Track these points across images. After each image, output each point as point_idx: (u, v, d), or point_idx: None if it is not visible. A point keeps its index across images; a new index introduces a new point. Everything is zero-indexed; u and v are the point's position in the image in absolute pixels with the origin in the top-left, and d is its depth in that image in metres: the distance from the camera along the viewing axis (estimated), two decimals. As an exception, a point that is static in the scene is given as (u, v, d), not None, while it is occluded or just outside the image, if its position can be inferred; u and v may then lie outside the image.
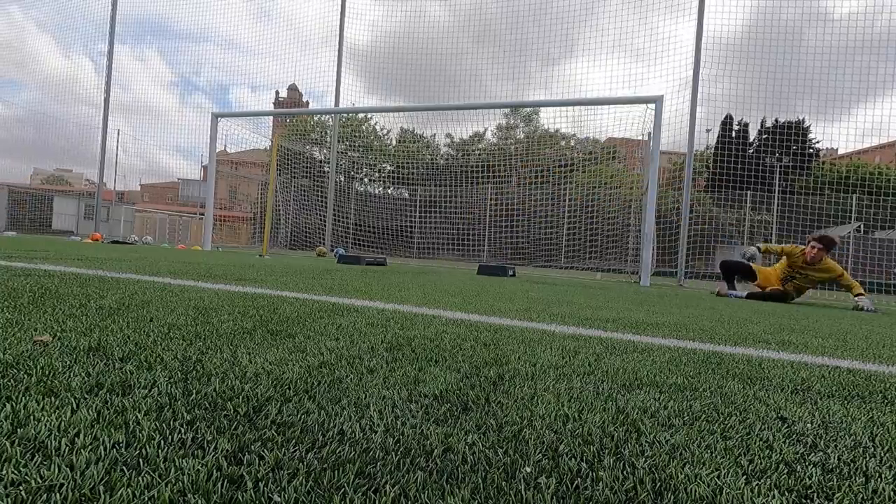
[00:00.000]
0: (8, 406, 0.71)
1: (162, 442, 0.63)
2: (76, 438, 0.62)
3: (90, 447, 0.60)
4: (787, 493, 0.63)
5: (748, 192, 16.54)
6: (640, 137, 9.79)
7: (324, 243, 13.41)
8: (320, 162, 19.71)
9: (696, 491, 0.61)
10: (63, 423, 0.67)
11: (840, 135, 13.61)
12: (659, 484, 0.63)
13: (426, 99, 14.09)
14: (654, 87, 10.71)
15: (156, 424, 0.69)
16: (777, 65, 10.24)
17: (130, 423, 0.68)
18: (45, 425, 0.65)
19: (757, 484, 0.65)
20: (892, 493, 0.65)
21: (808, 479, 0.67)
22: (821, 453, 0.78)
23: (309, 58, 13.98)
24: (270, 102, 50.29)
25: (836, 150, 24.08)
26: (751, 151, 24.30)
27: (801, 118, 18.61)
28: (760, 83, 10.58)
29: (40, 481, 0.52)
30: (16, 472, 0.53)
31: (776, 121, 21.90)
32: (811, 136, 22.32)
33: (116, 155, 22.08)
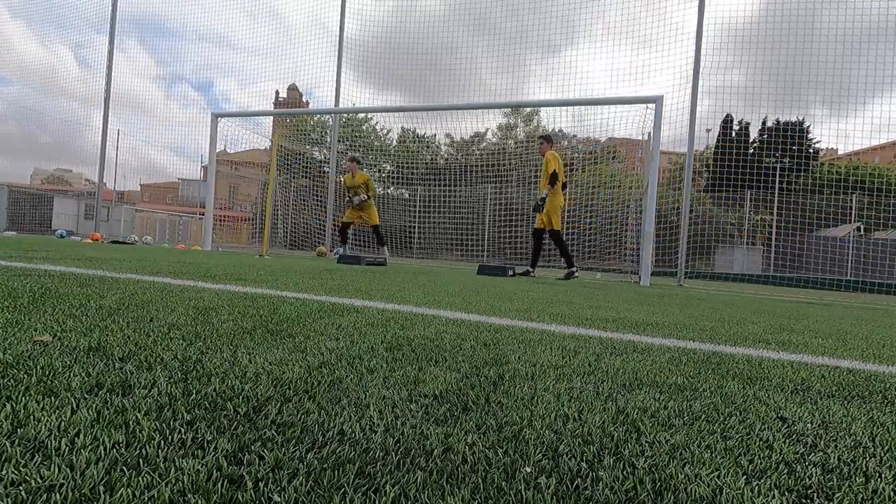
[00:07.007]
0: (8, 406, 0.71)
1: (162, 442, 0.64)
2: (76, 438, 0.62)
3: (90, 447, 0.60)
4: (787, 493, 0.63)
5: (749, 191, 16.54)
6: (640, 137, 9.77)
7: (324, 243, 13.41)
8: (320, 162, 19.70)
9: (696, 491, 0.61)
10: (63, 423, 0.67)
11: (853, 130, 13.12)
12: (659, 484, 0.63)
13: (423, 92, 13.96)
14: (658, 78, 10.47)
15: (156, 424, 0.69)
16: (786, 54, 9.91)
17: (130, 423, 0.68)
18: (45, 425, 0.65)
19: (757, 484, 0.65)
20: (892, 493, 0.65)
21: (808, 479, 0.67)
22: (821, 453, 0.78)
23: (308, 56, 13.95)
24: (270, 102, 50.30)
25: (836, 150, 24.10)
26: (751, 151, 24.32)
27: (801, 118, 18.60)
28: (768, 74, 10.36)
29: (40, 481, 0.52)
30: (16, 472, 0.53)
31: (777, 121, 21.93)
32: (811, 136, 22.33)
33: (117, 156, 22.10)
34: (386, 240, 9.99)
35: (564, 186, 7.64)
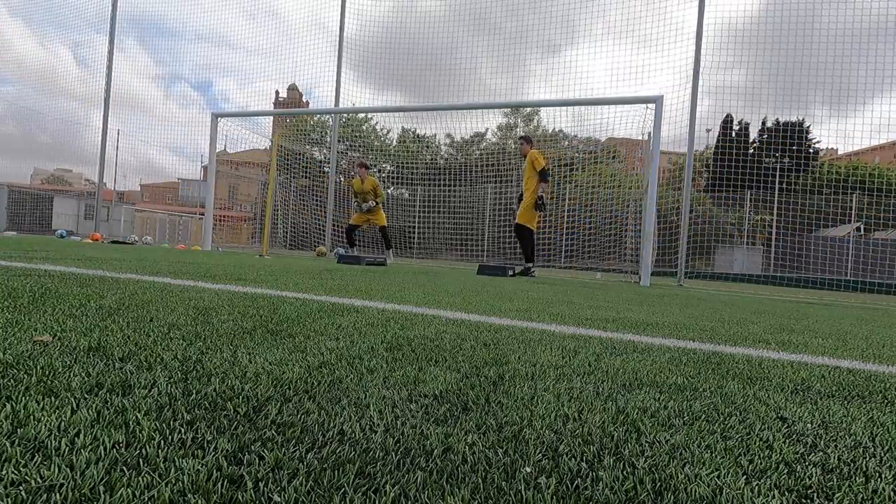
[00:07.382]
0: (8, 406, 0.71)
1: (162, 442, 0.63)
2: (76, 438, 0.62)
3: (90, 447, 0.60)
4: (787, 493, 0.63)
5: (749, 191, 16.54)
6: (640, 137, 9.76)
7: (324, 243, 13.41)
8: (320, 162, 19.69)
9: (696, 491, 0.61)
10: (63, 423, 0.67)
11: (853, 130, 12.93)
12: (659, 484, 0.63)
13: (423, 92, 13.94)
14: (658, 78, 10.44)
15: (156, 424, 0.69)
16: (786, 54, 9.83)
17: (130, 423, 0.68)
18: (45, 425, 0.65)
19: (757, 484, 0.65)
20: (892, 493, 0.65)
21: (808, 479, 0.67)
22: (821, 453, 0.78)
23: (308, 56, 13.94)
24: (270, 102, 50.22)
25: (836, 150, 24.12)
26: (751, 151, 24.33)
27: (801, 118, 18.61)
28: (768, 74, 10.33)
29: (40, 481, 0.52)
30: (16, 472, 0.53)
31: (777, 121, 21.95)
32: (811, 136, 22.34)
33: (117, 156, 22.09)
34: (392, 243, 10.20)
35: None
